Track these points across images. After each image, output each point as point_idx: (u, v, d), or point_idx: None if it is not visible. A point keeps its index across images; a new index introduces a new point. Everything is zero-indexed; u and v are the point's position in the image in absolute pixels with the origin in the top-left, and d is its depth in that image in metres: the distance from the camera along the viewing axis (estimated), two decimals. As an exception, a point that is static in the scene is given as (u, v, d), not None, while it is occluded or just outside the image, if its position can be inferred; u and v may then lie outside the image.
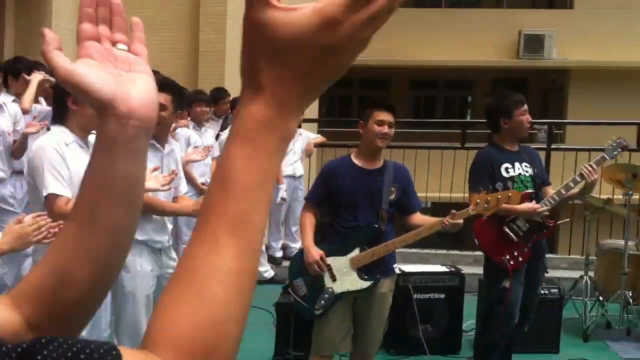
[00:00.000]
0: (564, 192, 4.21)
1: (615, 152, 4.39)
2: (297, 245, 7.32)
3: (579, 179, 4.22)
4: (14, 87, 5.20)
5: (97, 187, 0.77)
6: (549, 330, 4.89)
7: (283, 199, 7.19)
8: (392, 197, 3.74)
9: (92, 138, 3.23)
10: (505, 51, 14.94)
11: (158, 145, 3.63)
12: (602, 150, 4.42)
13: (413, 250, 7.01)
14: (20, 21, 7.25)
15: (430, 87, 17.73)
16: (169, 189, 3.50)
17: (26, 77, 5.09)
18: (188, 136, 5.96)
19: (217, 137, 7.01)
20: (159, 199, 3.54)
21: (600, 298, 5.68)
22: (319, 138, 8.07)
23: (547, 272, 4.66)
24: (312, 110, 10.98)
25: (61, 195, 3.09)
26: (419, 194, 3.97)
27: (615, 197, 6.44)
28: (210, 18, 8.95)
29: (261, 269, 7.02)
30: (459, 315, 5.12)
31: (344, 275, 3.72)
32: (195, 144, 5.92)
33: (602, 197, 5.94)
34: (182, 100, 4.02)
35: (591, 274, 5.83)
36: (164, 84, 3.44)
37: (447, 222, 3.61)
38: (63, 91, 3.14)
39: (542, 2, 17.27)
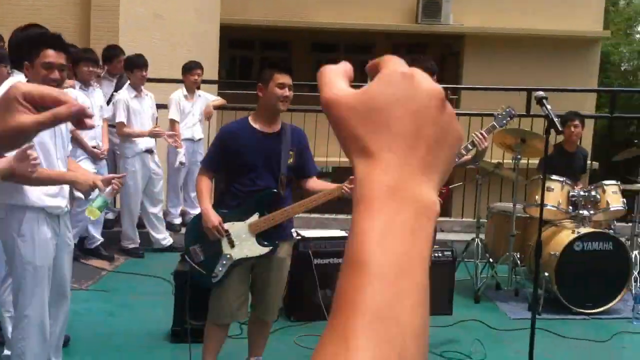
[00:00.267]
0: (456, 160, 4.31)
1: (505, 121, 4.52)
2: (196, 212, 7.16)
3: (470, 147, 4.33)
4: None
5: None
6: (443, 293, 5.02)
7: (182, 162, 7.02)
8: (291, 161, 3.69)
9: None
10: (405, 16, 15.11)
11: None
12: (493, 116, 4.56)
13: (313, 215, 7.04)
14: None
15: (331, 51, 17.70)
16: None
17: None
18: (75, 97, 5.64)
19: (110, 98, 6.71)
20: (47, 172, 3.30)
21: (491, 260, 5.92)
22: (219, 100, 7.89)
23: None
24: (212, 71, 10.71)
25: None
26: (320, 159, 3.95)
27: (505, 161, 6.70)
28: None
29: (159, 236, 6.86)
30: (358, 279, 5.18)
31: (242, 241, 3.66)
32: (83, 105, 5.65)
33: (492, 161, 6.14)
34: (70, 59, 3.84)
35: (482, 236, 6.04)
36: (60, 43, 3.29)
37: (346, 189, 3.61)
38: None
39: (440, -31, 17.53)
